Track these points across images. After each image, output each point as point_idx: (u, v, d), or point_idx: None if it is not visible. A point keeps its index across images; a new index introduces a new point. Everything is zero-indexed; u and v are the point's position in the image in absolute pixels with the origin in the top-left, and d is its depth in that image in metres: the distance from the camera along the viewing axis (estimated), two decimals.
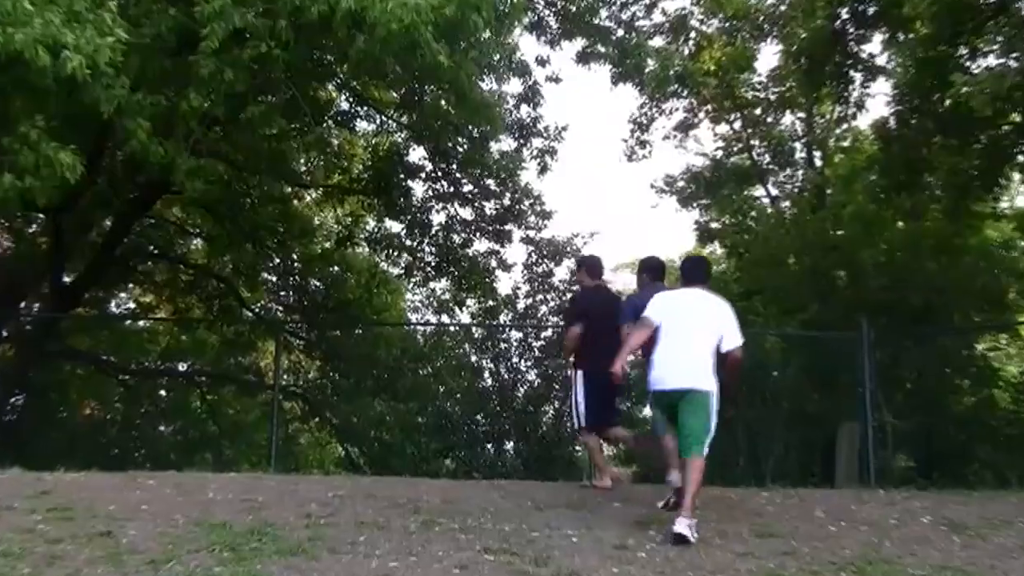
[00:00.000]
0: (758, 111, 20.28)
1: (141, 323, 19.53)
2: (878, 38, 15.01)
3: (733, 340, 6.30)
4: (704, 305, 6.40)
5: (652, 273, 7.74)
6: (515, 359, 15.53)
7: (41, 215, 15.06)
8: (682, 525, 5.68)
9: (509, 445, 15.11)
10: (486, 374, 16.06)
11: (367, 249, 18.59)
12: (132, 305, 20.16)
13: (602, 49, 14.37)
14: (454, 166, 16.08)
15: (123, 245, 16.30)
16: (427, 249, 17.27)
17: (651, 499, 6.86)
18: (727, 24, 18.21)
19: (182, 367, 19.36)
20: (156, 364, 19.02)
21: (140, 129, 8.71)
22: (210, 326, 18.12)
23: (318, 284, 18.61)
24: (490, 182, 16.27)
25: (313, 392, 18.11)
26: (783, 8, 17.27)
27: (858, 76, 15.78)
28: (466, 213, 16.83)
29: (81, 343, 17.61)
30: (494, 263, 17.06)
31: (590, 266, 8.54)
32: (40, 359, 15.49)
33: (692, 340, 6.22)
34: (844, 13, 14.62)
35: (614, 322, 7.70)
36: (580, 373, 7.84)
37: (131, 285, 19.54)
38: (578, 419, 7.84)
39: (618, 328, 7.13)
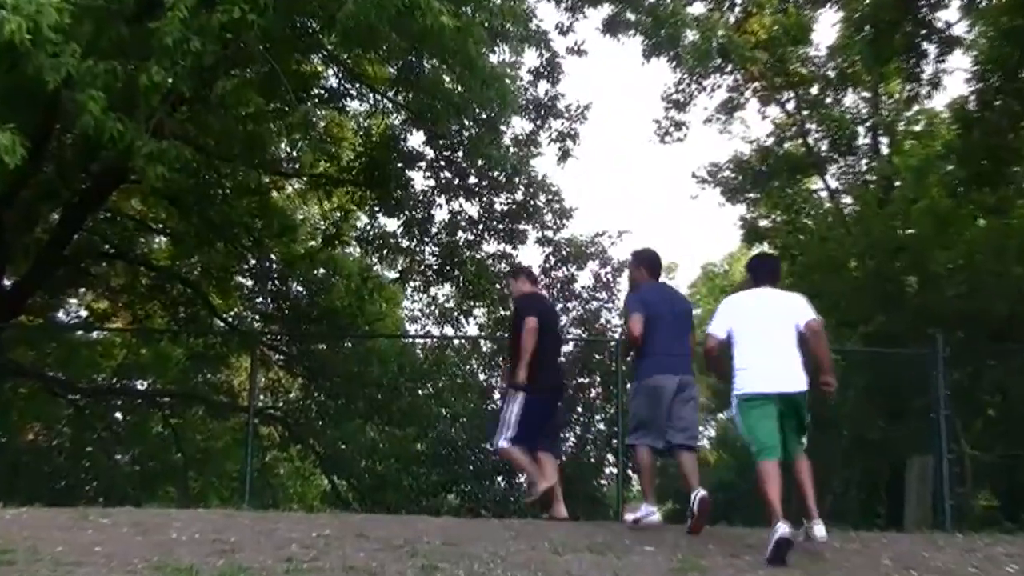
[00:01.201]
0: (815, 90, 20.27)
1: (94, 334, 19.58)
2: (955, 4, 14.97)
3: (808, 314, 6.90)
4: (778, 301, 7.04)
5: (652, 269, 8.19)
6: None
7: None
8: (820, 530, 6.55)
9: (522, 478, 15.04)
10: (496, 395, 16.01)
11: (358, 249, 18.61)
12: (84, 313, 20.23)
13: (632, 17, 14.33)
14: (459, 154, 16.03)
15: (73, 243, 16.32)
16: (428, 250, 17.32)
17: (687, 541, 6.83)
18: None
19: (141, 385, 19.33)
20: (111, 382, 18.99)
21: (93, 101, 8.56)
22: (175, 338, 18.14)
23: (301, 289, 18.60)
24: (497, 173, 16.18)
25: (294, 415, 18.09)
26: None
27: (932, 49, 15.72)
28: (473, 209, 16.85)
29: (24, 357, 17.59)
30: (505, 267, 16.99)
31: (529, 273, 9.52)
32: None
33: (782, 339, 6.82)
34: None
35: (559, 336, 8.91)
36: (521, 396, 8.34)
37: (83, 289, 19.60)
38: (503, 432, 8.32)
39: (633, 332, 7.69)
